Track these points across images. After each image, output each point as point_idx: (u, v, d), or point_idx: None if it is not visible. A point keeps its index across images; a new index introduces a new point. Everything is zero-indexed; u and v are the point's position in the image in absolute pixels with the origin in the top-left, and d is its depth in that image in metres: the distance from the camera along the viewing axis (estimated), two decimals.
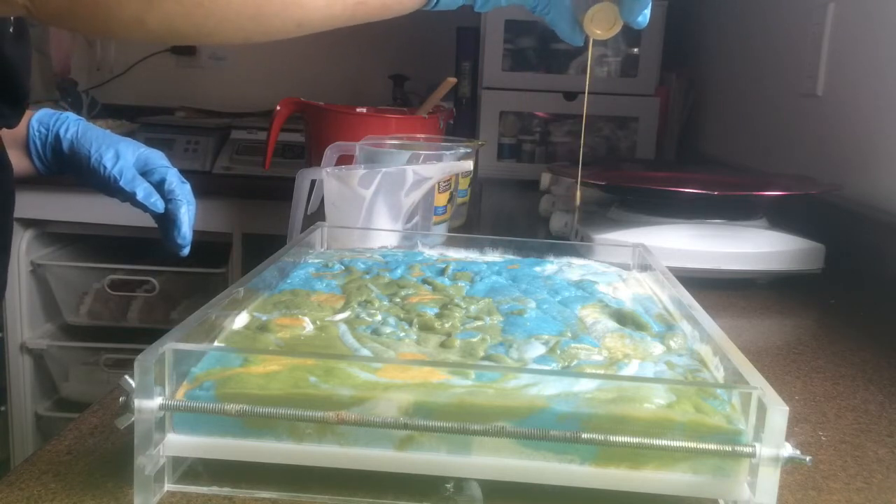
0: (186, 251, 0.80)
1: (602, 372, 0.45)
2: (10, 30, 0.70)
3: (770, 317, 0.83)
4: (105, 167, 0.77)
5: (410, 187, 0.83)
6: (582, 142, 0.99)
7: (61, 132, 0.80)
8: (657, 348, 0.50)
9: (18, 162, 0.82)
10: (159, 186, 0.79)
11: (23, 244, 1.84)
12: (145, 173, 0.80)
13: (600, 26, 0.71)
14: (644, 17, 0.70)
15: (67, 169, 0.83)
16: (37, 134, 0.81)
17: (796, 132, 1.32)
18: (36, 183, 1.75)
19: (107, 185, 0.79)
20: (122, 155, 0.78)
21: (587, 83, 0.86)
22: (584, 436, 0.39)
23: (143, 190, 0.77)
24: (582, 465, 0.40)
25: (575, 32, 0.71)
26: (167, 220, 0.79)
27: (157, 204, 0.78)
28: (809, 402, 0.59)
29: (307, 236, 0.70)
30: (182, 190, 0.80)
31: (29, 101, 0.79)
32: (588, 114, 1.83)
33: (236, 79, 2.35)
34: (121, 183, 0.77)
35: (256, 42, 0.55)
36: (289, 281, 0.59)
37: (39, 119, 0.81)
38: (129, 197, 0.78)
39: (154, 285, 1.88)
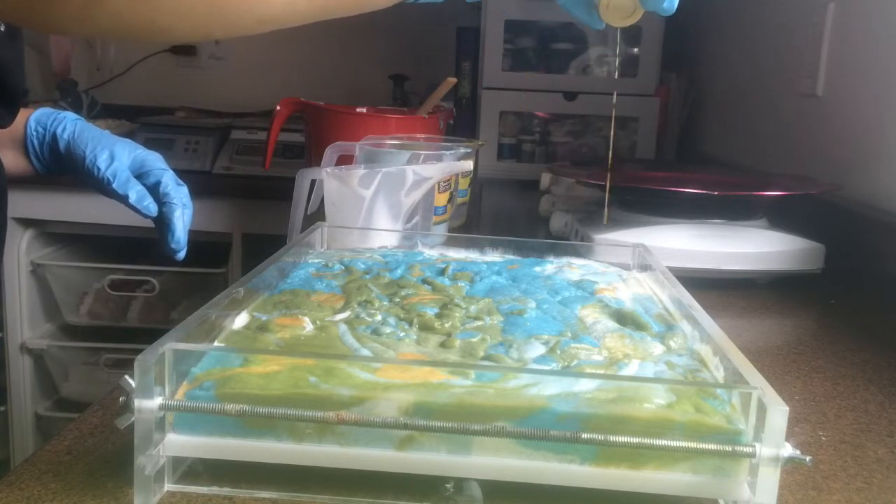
0: (181, 255, 0.78)
1: (602, 372, 0.45)
2: (2, 28, 0.69)
3: (770, 317, 0.83)
4: (99, 168, 0.76)
5: (410, 187, 0.83)
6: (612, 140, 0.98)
7: (58, 132, 0.80)
8: (657, 348, 0.50)
9: (17, 161, 0.82)
10: (155, 189, 0.77)
11: (23, 244, 1.84)
12: (141, 175, 0.78)
13: (618, 13, 0.64)
14: (670, 2, 0.64)
15: (65, 169, 0.82)
16: (34, 133, 0.80)
17: (796, 132, 1.32)
18: (36, 183, 1.76)
19: (101, 187, 0.78)
20: (116, 156, 0.77)
21: (617, 65, 0.85)
22: (584, 436, 0.39)
23: (135, 193, 0.76)
24: (582, 465, 0.40)
25: (593, 17, 0.66)
26: (162, 224, 0.78)
27: (150, 207, 0.76)
28: (809, 402, 0.59)
29: (307, 236, 0.70)
30: (178, 193, 0.78)
31: (22, 101, 0.78)
32: (588, 114, 1.83)
33: (236, 79, 2.36)
34: (114, 185, 0.76)
35: (218, 38, 0.54)
36: (289, 281, 0.59)
37: (37, 118, 0.81)
38: (122, 199, 0.77)
39: (154, 285, 1.88)
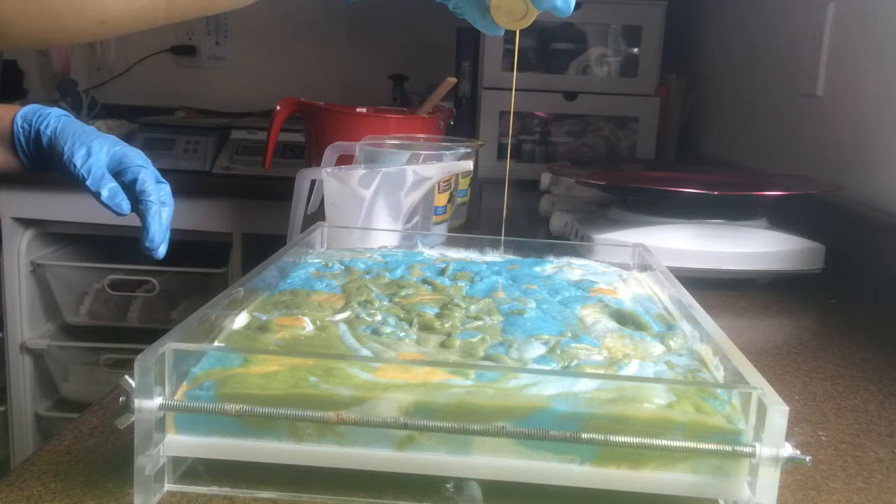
0: (160, 254, 0.74)
1: (602, 372, 0.45)
2: None
3: (770, 317, 0.83)
4: (75, 165, 0.73)
5: (410, 187, 0.83)
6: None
7: (42, 128, 0.78)
8: (657, 348, 0.50)
9: (6, 159, 0.81)
10: (133, 186, 0.74)
11: (23, 244, 1.84)
12: (119, 172, 0.75)
13: (510, 15, 0.61)
14: (565, 2, 0.59)
15: (50, 165, 0.81)
16: (20, 130, 0.80)
17: (796, 132, 1.32)
18: (36, 183, 1.76)
19: (79, 184, 0.74)
20: (93, 153, 0.74)
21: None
22: (584, 436, 0.39)
23: (107, 190, 0.73)
24: (582, 465, 0.40)
25: (487, 21, 0.62)
26: (141, 223, 0.75)
27: (122, 205, 0.73)
28: (809, 402, 0.59)
29: (307, 236, 0.70)
30: (156, 190, 0.75)
31: (21, 101, 0.77)
32: (588, 114, 1.83)
33: (236, 79, 2.36)
34: (87, 182, 0.73)
35: (58, 44, 0.53)
36: (289, 281, 0.59)
37: (24, 115, 0.80)
38: (95, 197, 0.74)
39: (154, 285, 1.88)
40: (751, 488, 0.38)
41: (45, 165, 0.81)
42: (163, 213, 0.74)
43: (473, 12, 0.62)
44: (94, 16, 0.49)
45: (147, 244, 0.73)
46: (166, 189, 0.76)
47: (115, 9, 0.49)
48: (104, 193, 0.73)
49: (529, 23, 0.61)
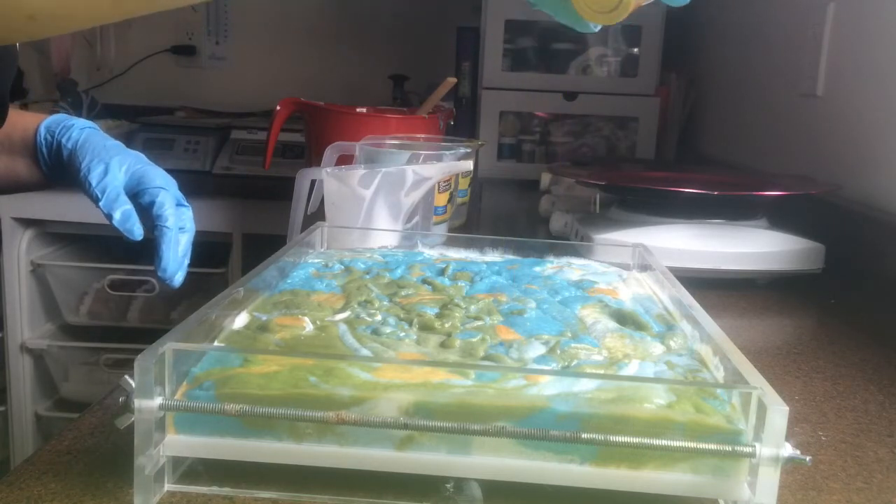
0: (175, 283, 0.69)
1: (602, 372, 0.45)
2: None
3: (770, 317, 0.83)
4: (90, 183, 0.69)
5: (410, 187, 0.83)
6: None
7: (63, 140, 0.74)
8: (657, 348, 0.50)
9: (30, 171, 0.78)
10: (149, 209, 0.69)
11: (23, 244, 1.84)
12: (137, 194, 0.70)
13: (597, 5, 0.50)
14: None
15: (69, 181, 0.77)
16: (43, 142, 0.76)
17: (796, 132, 1.32)
18: None
19: (94, 204, 0.70)
20: (110, 171, 0.70)
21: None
22: (584, 436, 0.39)
23: (120, 213, 0.68)
24: (582, 465, 0.40)
25: (570, 13, 0.52)
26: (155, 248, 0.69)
27: (134, 231, 0.68)
28: (809, 402, 0.59)
29: (307, 236, 0.70)
30: (175, 215, 0.70)
31: (20, 101, 0.75)
32: (588, 113, 1.83)
33: (236, 79, 2.36)
34: (100, 203, 0.69)
35: None
36: (289, 281, 0.59)
37: (48, 126, 0.75)
38: (108, 219, 0.69)
39: (154, 285, 1.88)
40: (751, 488, 0.38)
41: (65, 180, 0.76)
42: (181, 240, 0.69)
43: (553, 3, 0.52)
44: (20, 9, 0.42)
45: (159, 273, 0.68)
46: (188, 213, 0.72)
47: (48, 4, 0.42)
48: (116, 216, 0.68)
49: (623, 17, 0.50)
